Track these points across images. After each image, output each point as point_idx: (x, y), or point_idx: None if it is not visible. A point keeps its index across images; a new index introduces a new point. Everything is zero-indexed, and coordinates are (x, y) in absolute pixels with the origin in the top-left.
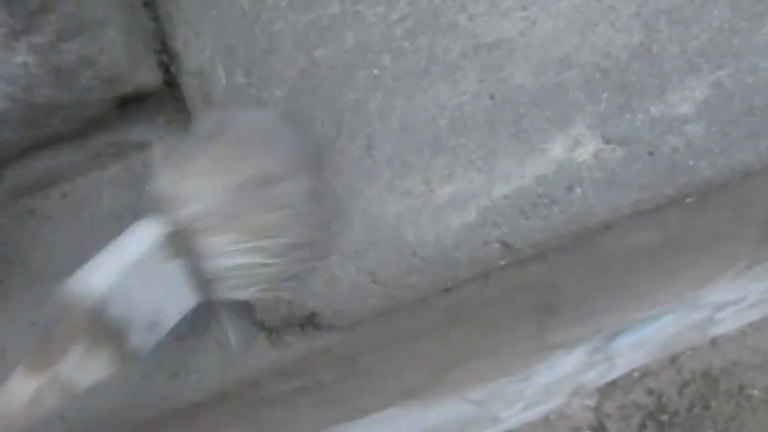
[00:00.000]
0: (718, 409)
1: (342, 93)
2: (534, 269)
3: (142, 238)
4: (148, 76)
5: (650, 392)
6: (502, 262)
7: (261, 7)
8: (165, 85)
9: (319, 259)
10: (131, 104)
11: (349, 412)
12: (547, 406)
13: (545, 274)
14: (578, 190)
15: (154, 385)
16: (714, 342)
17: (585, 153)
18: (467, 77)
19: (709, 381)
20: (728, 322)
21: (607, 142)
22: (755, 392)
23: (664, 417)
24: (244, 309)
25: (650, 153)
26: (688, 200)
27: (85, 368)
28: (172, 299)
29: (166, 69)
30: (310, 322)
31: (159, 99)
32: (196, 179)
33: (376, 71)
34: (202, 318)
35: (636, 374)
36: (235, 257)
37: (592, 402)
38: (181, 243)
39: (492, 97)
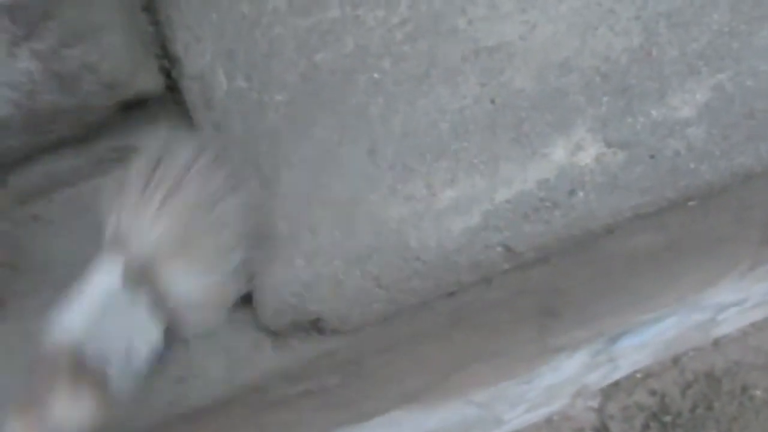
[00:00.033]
0: (721, 409)
1: (343, 97)
2: (536, 273)
3: (104, 275)
4: (149, 81)
5: (653, 393)
6: (505, 266)
7: (261, 11)
8: (166, 89)
9: (265, 264)
10: (133, 109)
11: (353, 416)
12: (550, 407)
13: (547, 277)
14: (580, 194)
15: (159, 390)
16: (717, 343)
17: (586, 157)
18: (468, 81)
19: (712, 382)
20: (730, 323)
21: (609, 145)
22: (758, 393)
23: (667, 418)
24: (249, 314)
25: (651, 156)
26: (690, 203)
27: (70, 409)
28: (141, 330)
29: (167, 74)
30: (314, 326)
31: (160, 103)
32: (145, 213)
33: (376, 75)
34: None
35: (639, 375)
36: (191, 280)
37: (595, 403)
38: (140, 275)
39: (493, 101)
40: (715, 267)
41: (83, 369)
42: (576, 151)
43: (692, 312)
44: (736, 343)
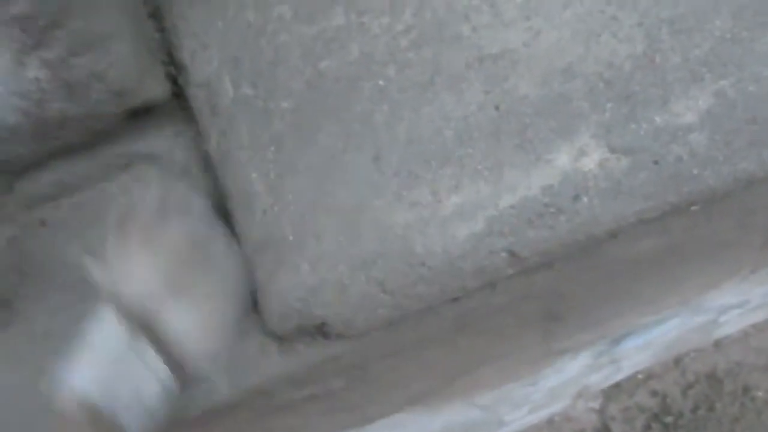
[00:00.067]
0: (723, 410)
1: (348, 104)
2: (540, 278)
3: (103, 325)
4: (156, 89)
5: (654, 394)
6: (509, 271)
7: (266, 18)
8: (173, 96)
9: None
10: (140, 115)
11: (358, 419)
12: (551, 408)
13: (551, 282)
14: (584, 199)
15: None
16: (718, 344)
17: (590, 163)
18: (472, 88)
19: (713, 382)
20: (732, 325)
21: (612, 151)
22: (760, 393)
23: (669, 419)
24: (255, 319)
25: (655, 162)
26: (693, 208)
27: None
28: (149, 373)
29: (174, 80)
30: (320, 331)
31: (167, 110)
32: (133, 256)
33: (381, 83)
34: None
35: (640, 376)
36: (190, 316)
37: (596, 404)
38: (138, 319)
39: (497, 108)
40: (718, 270)
41: (100, 423)
42: (580, 157)
43: (695, 314)
44: (738, 344)
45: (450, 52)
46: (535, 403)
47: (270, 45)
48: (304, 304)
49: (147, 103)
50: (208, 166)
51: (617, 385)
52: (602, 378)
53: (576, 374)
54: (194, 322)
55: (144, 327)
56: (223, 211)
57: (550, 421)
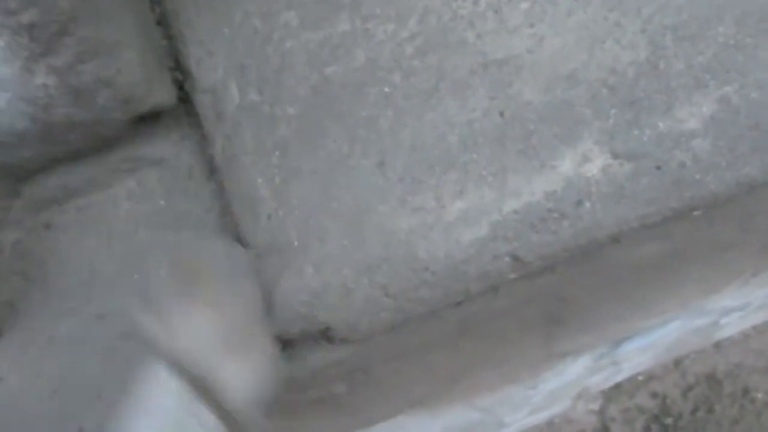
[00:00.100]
0: (722, 412)
1: (353, 110)
2: (543, 282)
3: (158, 386)
4: (163, 95)
5: (654, 396)
6: (512, 276)
7: (273, 25)
8: (179, 101)
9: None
10: (146, 120)
11: (360, 422)
12: (551, 410)
13: (554, 286)
14: (587, 204)
15: None
16: (718, 345)
17: (593, 168)
18: (477, 94)
19: (713, 384)
20: (732, 327)
21: (615, 157)
22: (759, 395)
23: (669, 420)
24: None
25: (657, 168)
26: (695, 213)
27: None
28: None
29: (180, 86)
30: (323, 335)
31: (173, 115)
32: (184, 315)
33: (386, 89)
34: None
35: (640, 378)
36: (240, 372)
37: (596, 406)
38: (193, 378)
39: (501, 114)
40: (719, 274)
41: None
42: (583, 163)
43: (696, 317)
44: (738, 345)
45: (455, 59)
46: (535, 404)
47: (276, 51)
48: (309, 307)
49: (153, 108)
50: (213, 170)
51: (617, 387)
52: (602, 379)
53: (576, 376)
54: (246, 374)
55: (200, 385)
56: (228, 215)
57: (550, 423)
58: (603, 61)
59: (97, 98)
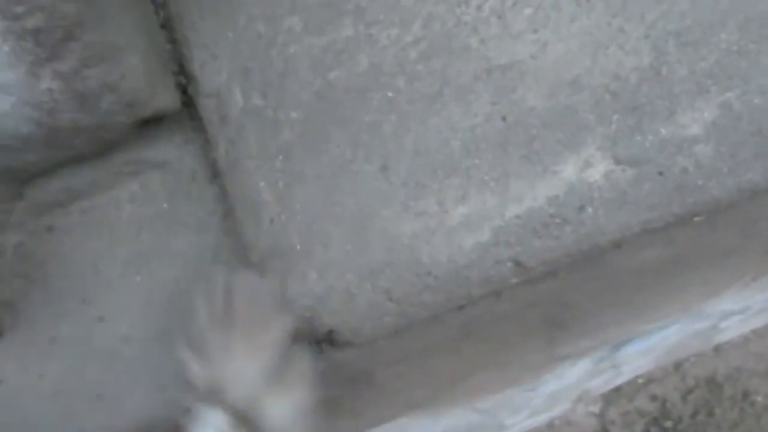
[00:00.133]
0: (722, 415)
1: (357, 115)
2: (545, 287)
3: (208, 428)
4: (167, 99)
5: (654, 398)
6: (514, 281)
7: (277, 30)
8: (182, 105)
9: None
10: (149, 124)
11: (362, 425)
12: (551, 413)
13: (556, 291)
14: (589, 210)
15: (174, 401)
16: (718, 349)
17: (596, 174)
18: (480, 99)
19: (713, 387)
20: (732, 330)
21: (618, 162)
22: (759, 398)
23: (668, 423)
24: None
25: (660, 173)
26: (697, 219)
27: None
28: None
29: (184, 90)
30: (327, 339)
31: (176, 119)
32: (233, 360)
33: (390, 94)
34: None
35: (640, 381)
36: (282, 408)
37: (596, 408)
38: (241, 419)
39: (504, 119)
40: (720, 278)
41: None
42: (585, 168)
43: (696, 320)
44: (738, 349)
45: (458, 64)
46: (535, 407)
47: (280, 56)
48: (312, 311)
49: (157, 112)
50: (216, 174)
51: (617, 390)
52: (602, 382)
53: (577, 379)
54: (288, 409)
55: (245, 422)
56: (230, 219)
57: (550, 425)
58: (606, 66)
59: (102, 103)
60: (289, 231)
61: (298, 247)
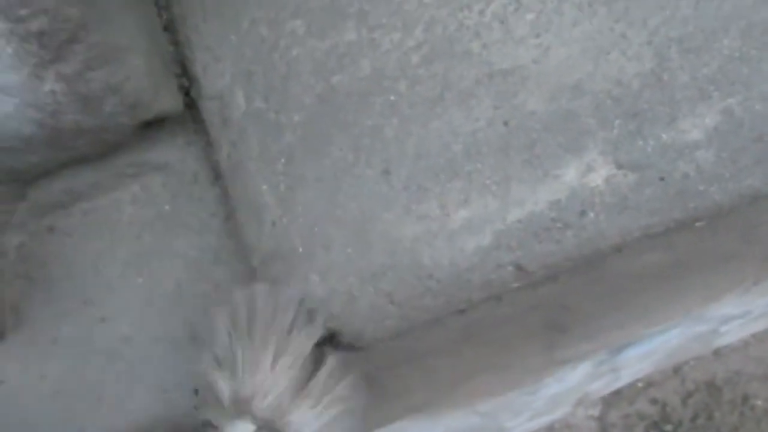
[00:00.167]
0: (722, 419)
1: (359, 119)
2: (545, 290)
3: None
4: (169, 101)
5: (654, 402)
6: (515, 284)
7: (279, 33)
8: (184, 107)
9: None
10: (151, 126)
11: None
12: (551, 416)
13: (557, 295)
14: (590, 214)
15: (174, 402)
16: (718, 352)
17: (597, 178)
18: (481, 104)
19: (712, 391)
20: (732, 334)
21: (619, 167)
22: (759, 402)
23: (668, 427)
24: None
25: (661, 178)
26: (698, 224)
27: None
28: None
29: (186, 92)
30: (329, 341)
31: (179, 121)
32: (259, 371)
33: (392, 98)
34: None
35: (640, 384)
36: (314, 422)
37: (596, 412)
38: (269, 429)
39: (506, 124)
40: (721, 282)
41: None
42: (587, 173)
43: (696, 324)
44: (738, 353)
45: (460, 68)
46: (535, 410)
47: (283, 59)
48: (314, 314)
49: (159, 114)
50: (218, 176)
51: (617, 393)
52: (602, 386)
53: (577, 382)
54: (316, 418)
55: (270, 428)
56: (232, 221)
57: (550, 428)
58: (608, 72)
59: (105, 105)
60: (291, 234)
61: (300, 249)
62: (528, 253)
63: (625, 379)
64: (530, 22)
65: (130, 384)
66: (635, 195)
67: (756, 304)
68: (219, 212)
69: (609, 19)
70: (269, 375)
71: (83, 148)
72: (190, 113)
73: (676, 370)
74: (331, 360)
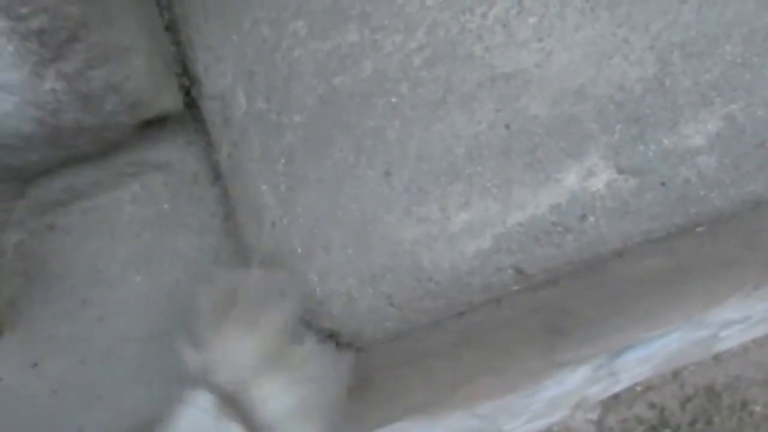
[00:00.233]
0: (721, 424)
1: (360, 120)
2: (545, 294)
3: (195, 409)
4: (170, 100)
5: (652, 406)
6: (515, 288)
7: (281, 34)
8: (186, 107)
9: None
10: (152, 125)
11: (361, 428)
12: (550, 419)
13: (557, 299)
14: (591, 219)
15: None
16: (717, 357)
17: (598, 183)
18: (484, 107)
19: (711, 396)
20: (732, 339)
21: (620, 172)
22: (758, 408)
23: (667, 431)
24: None
25: (662, 184)
26: (699, 229)
27: None
28: None
29: (187, 92)
30: (328, 341)
31: (179, 120)
32: (226, 343)
33: (394, 100)
34: None
35: (639, 388)
36: (280, 397)
37: (594, 415)
38: (230, 403)
39: (508, 127)
40: (722, 287)
41: None
42: (588, 177)
43: (696, 329)
44: (737, 358)
45: (462, 71)
46: (534, 413)
47: (284, 60)
48: (313, 315)
49: (160, 114)
50: (218, 176)
51: (616, 397)
52: (601, 389)
53: (576, 386)
54: (285, 403)
55: (237, 411)
56: (232, 221)
57: (548, 431)
58: (610, 76)
59: (105, 103)
60: (291, 234)
61: (300, 250)
62: (528, 256)
63: (624, 383)
64: (533, 26)
65: (128, 383)
66: (636, 200)
67: (756, 309)
68: (219, 212)
69: (611, 23)
70: (237, 349)
71: (83, 147)
72: (190, 113)
73: (676, 374)
74: (310, 343)
